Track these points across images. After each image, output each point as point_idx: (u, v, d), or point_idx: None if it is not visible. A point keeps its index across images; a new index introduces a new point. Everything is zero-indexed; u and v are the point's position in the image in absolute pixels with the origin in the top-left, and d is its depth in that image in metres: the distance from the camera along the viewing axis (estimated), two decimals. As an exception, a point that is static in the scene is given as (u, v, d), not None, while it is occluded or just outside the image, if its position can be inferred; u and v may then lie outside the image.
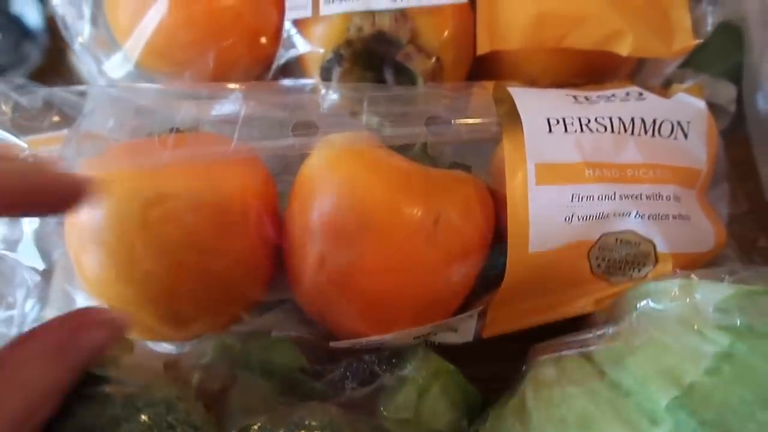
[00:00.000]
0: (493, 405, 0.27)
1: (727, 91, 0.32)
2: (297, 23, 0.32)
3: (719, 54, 0.39)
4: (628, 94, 0.29)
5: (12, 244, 0.29)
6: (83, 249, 0.28)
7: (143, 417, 0.23)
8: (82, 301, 0.30)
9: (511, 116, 0.27)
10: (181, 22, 0.32)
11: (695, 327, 0.22)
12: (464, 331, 0.30)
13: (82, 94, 0.32)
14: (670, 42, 0.30)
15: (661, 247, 0.27)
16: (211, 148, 0.29)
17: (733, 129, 0.34)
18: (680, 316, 0.22)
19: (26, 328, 0.31)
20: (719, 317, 0.21)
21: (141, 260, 0.27)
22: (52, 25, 0.36)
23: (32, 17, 0.49)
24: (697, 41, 0.30)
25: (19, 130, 0.32)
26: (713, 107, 0.32)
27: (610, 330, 0.24)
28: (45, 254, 0.30)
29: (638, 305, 0.24)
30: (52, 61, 0.47)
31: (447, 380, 0.29)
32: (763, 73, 0.33)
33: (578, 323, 0.29)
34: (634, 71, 0.34)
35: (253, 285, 0.29)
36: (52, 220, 0.31)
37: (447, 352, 0.30)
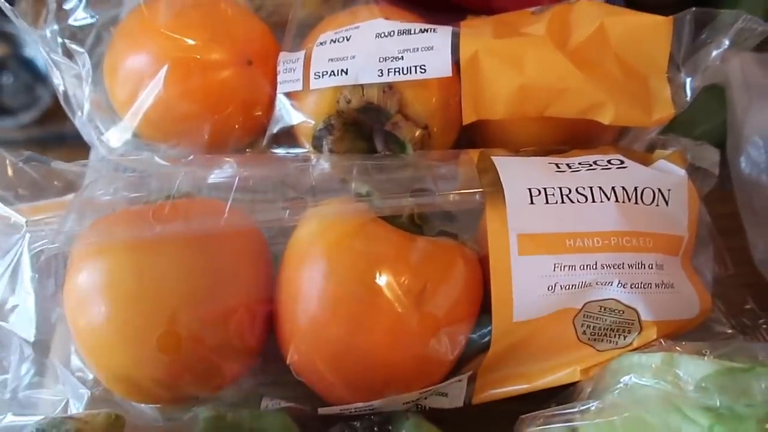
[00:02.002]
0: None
1: (709, 155, 0.33)
2: (289, 95, 0.33)
3: (705, 113, 0.40)
4: (609, 161, 0.30)
5: (7, 312, 0.30)
6: (80, 314, 0.28)
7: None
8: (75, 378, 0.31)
9: (494, 187, 0.28)
10: (177, 96, 0.33)
11: (676, 406, 0.22)
12: (454, 396, 0.31)
13: (84, 166, 0.33)
14: (650, 112, 0.31)
15: (645, 315, 0.27)
16: (204, 218, 0.30)
17: (721, 184, 0.34)
18: (662, 393, 0.23)
19: (20, 394, 0.31)
20: (700, 396, 0.22)
21: (136, 327, 0.27)
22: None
23: (44, 61, 0.51)
24: (677, 111, 0.31)
25: (23, 197, 0.33)
26: (697, 171, 0.33)
27: (594, 405, 0.24)
28: (41, 328, 0.31)
29: (621, 380, 0.24)
30: None
31: (437, 447, 0.29)
32: (745, 135, 0.33)
33: (568, 389, 0.29)
34: (617, 137, 0.35)
35: (246, 348, 0.30)
36: (50, 285, 0.31)
37: (438, 414, 0.30)
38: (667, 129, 0.35)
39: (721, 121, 0.39)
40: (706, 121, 0.39)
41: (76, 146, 0.38)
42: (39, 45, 0.33)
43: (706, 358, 0.23)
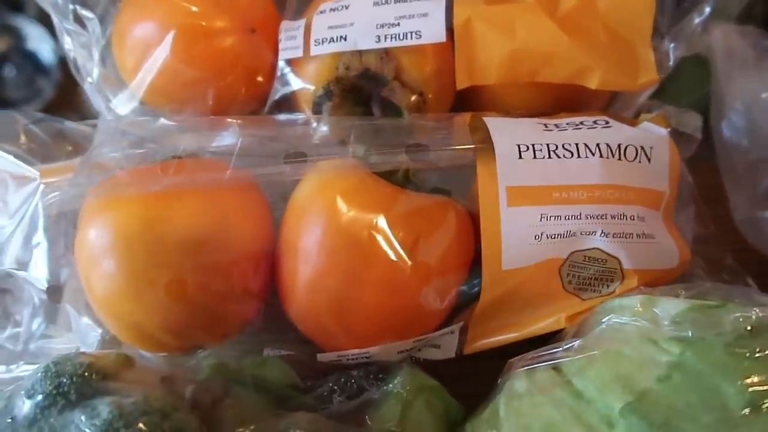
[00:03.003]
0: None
1: (692, 121, 0.34)
2: (290, 62, 0.35)
3: (691, 84, 0.41)
4: (595, 122, 0.31)
5: (23, 264, 0.31)
6: (92, 266, 0.30)
7: (140, 425, 0.25)
8: (87, 320, 0.32)
9: (485, 143, 0.30)
10: (183, 63, 0.34)
11: (652, 338, 0.23)
12: (447, 347, 0.32)
13: (93, 127, 0.34)
14: (636, 77, 0.32)
15: (627, 264, 0.28)
16: (209, 173, 0.31)
17: (706, 157, 0.36)
18: (640, 329, 0.24)
19: (32, 345, 0.33)
20: (674, 329, 0.23)
21: (146, 276, 0.29)
22: (64, 60, 0.39)
23: (46, 53, 0.53)
24: (661, 76, 0.33)
25: (34, 158, 0.34)
26: (681, 135, 0.34)
27: (577, 343, 0.25)
28: (54, 275, 0.32)
29: (603, 320, 0.26)
30: (65, 95, 0.50)
31: (431, 395, 0.30)
32: (727, 102, 0.35)
33: (555, 339, 0.30)
34: (607, 103, 0.36)
35: (250, 297, 0.31)
36: (62, 242, 0.33)
37: (433, 369, 0.32)
38: (655, 98, 0.36)
39: (706, 92, 0.40)
40: (691, 92, 0.41)
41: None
42: (50, 12, 0.34)
43: (681, 297, 0.24)
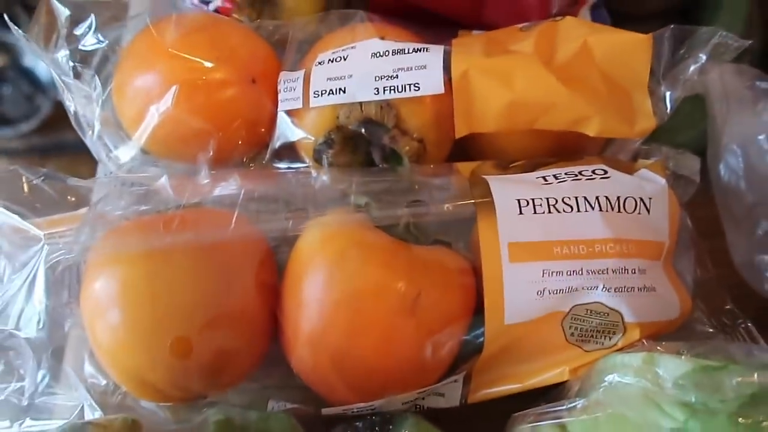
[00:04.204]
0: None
1: (691, 163, 0.34)
2: (290, 113, 0.35)
3: (688, 121, 0.41)
4: (594, 171, 0.31)
5: (25, 322, 0.32)
6: (96, 318, 0.30)
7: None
8: (91, 369, 0.33)
9: (485, 198, 0.30)
10: (184, 114, 0.35)
11: (655, 402, 0.23)
12: (451, 396, 0.32)
13: (95, 182, 0.35)
14: (633, 124, 0.33)
15: (629, 318, 0.29)
16: (212, 228, 0.31)
17: (704, 189, 0.36)
18: (642, 390, 0.24)
19: (37, 400, 0.33)
20: (677, 393, 0.23)
21: (149, 331, 0.29)
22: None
23: (43, 70, 0.52)
24: (658, 122, 0.33)
25: (38, 211, 0.35)
26: (679, 178, 0.34)
27: (581, 403, 0.26)
28: (56, 328, 0.33)
29: (605, 378, 0.26)
30: (63, 112, 0.50)
31: (436, 444, 0.31)
32: (723, 143, 0.35)
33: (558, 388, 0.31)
34: (603, 146, 0.37)
35: (253, 351, 0.32)
36: (65, 294, 0.33)
37: (437, 413, 0.32)
38: (652, 137, 0.36)
39: (703, 129, 0.40)
40: (688, 130, 0.41)
41: (76, 155, 0.39)
42: (51, 68, 0.35)
43: (683, 357, 0.25)
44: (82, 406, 0.32)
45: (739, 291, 0.35)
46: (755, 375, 0.23)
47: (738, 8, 0.44)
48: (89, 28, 0.35)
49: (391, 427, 0.31)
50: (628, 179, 0.31)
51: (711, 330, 0.33)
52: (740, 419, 0.21)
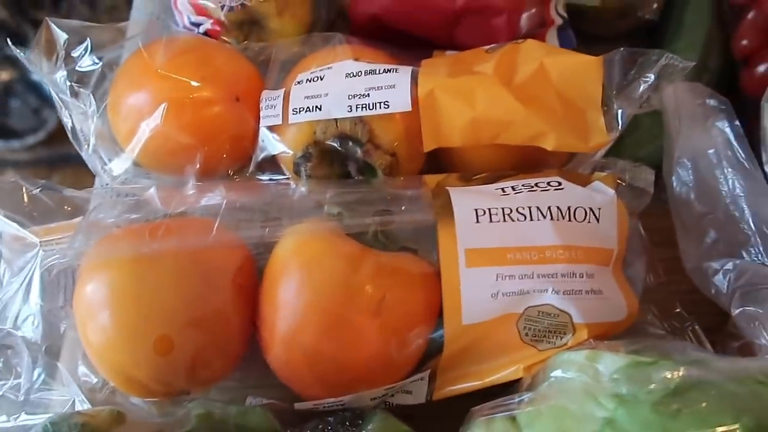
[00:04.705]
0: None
1: (645, 175, 0.37)
2: (271, 128, 0.38)
3: (648, 136, 0.44)
4: (549, 183, 0.34)
5: (22, 322, 0.34)
6: (87, 320, 0.33)
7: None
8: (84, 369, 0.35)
9: (445, 208, 0.32)
10: (173, 130, 0.37)
11: (592, 394, 0.26)
12: (417, 393, 0.34)
13: (89, 193, 0.37)
14: (587, 139, 0.35)
15: (577, 318, 0.31)
16: (195, 235, 0.34)
17: (660, 201, 0.38)
18: (584, 384, 0.27)
19: (32, 396, 0.35)
20: (611, 386, 0.25)
21: (135, 331, 0.32)
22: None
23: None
24: (611, 138, 0.35)
25: (37, 220, 0.37)
26: (635, 190, 0.37)
27: (528, 396, 0.28)
28: (51, 329, 0.35)
29: (551, 374, 0.28)
30: None
31: (403, 439, 0.33)
32: (676, 157, 0.38)
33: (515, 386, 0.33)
34: (567, 160, 0.39)
35: (232, 351, 0.34)
36: (61, 296, 0.36)
37: (406, 411, 0.34)
38: (615, 151, 0.39)
39: (662, 144, 0.43)
40: (649, 144, 0.43)
41: (81, 166, 0.42)
42: (50, 87, 0.37)
43: (620, 353, 0.27)
44: (74, 401, 0.34)
45: (692, 296, 0.37)
46: (681, 369, 0.25)
47: (698, 28, 0.46)
48: (85, 50, 0.38)
49: (361, 422, 0.33)
50: (579, 190, 0.33)
51: (662, 332, 0.35)
52: (661, 408, 0.24)
